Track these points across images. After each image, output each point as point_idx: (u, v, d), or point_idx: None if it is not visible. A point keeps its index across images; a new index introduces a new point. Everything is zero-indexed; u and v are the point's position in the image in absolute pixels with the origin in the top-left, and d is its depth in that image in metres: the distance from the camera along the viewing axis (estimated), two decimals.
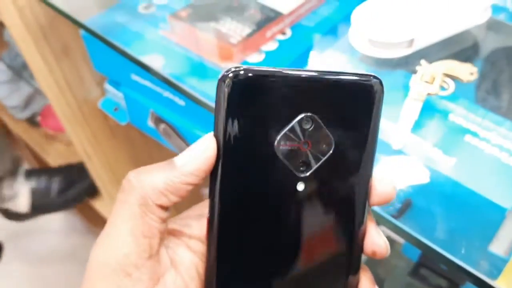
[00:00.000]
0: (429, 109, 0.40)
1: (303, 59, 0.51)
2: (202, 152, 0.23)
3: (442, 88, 0.40)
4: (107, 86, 0.72)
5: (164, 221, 0.24)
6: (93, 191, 1.12)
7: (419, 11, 0.42)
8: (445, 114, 0.40)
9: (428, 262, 0.52)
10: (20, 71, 1.16)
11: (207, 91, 0.47)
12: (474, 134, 0.38)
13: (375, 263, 0.61)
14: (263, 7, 0.55)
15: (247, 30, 0.51)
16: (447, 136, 0.38)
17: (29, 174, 1.12)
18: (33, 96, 1.24)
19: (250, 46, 0.50)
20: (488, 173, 0.36)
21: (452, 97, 0.40)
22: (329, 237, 0.25)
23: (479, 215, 0.36)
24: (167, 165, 0.24)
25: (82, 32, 0.66)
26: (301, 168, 0.23)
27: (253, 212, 0.24)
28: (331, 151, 0.24)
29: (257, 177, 0.23)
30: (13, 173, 1.04)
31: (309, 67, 0.48)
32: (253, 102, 0.22)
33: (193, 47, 0.52)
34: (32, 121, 1.28)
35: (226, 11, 0.54)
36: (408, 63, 0.44)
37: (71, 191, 1.13)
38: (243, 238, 0.24)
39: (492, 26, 0.48)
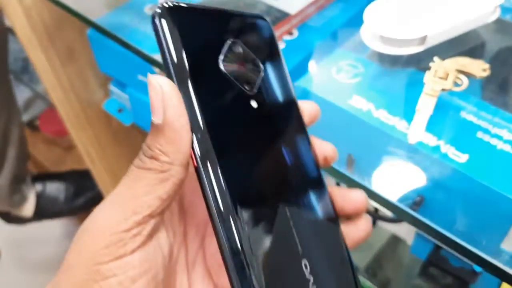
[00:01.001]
0: (441, 105, 0.40)
1: (310, 59, 0.51)
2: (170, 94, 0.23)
3: (456, 84, 0.40)
4: (112, 88, 0.72)
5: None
6: (100, 200, 1.08)
7: (431, 9, 0.43)
8: (457, 110, 0.40)
9: (437, 261, 0.52)
10: (20, 74, 1.16)
11: None
12: (486, 131, 0.38)
13: (383, 263, 0.61)
14: (270, 8, 0.55)
15: None
16: (459, 132, 0.39)
17: (36, 179, 1.09)
18: (32, 100, 1.24)
19: None
20: (501, 168, 0.36)
21: (464, 94, 0.41)
22: (292, 151, 0.26)
23: (493, 210, 0.36)
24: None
25: (88, 33, 0.66)
26: (247, 87, 0.25)
27: (226, 132, 0.24)
28: (262, 73, 0.26)
29: (219, 102, 0.24)
30: (23, 177, 1.01)
31: (316, 65, 0.48)
32: (191, 31, 0.23)
33: None
34: (31, 125, 1.28)
35: None
36: (417, 61, 0.44)
37: (79, 200, 1.10)
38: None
39: (498, 25, 0.48)
